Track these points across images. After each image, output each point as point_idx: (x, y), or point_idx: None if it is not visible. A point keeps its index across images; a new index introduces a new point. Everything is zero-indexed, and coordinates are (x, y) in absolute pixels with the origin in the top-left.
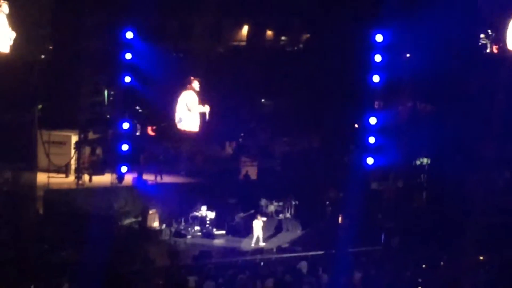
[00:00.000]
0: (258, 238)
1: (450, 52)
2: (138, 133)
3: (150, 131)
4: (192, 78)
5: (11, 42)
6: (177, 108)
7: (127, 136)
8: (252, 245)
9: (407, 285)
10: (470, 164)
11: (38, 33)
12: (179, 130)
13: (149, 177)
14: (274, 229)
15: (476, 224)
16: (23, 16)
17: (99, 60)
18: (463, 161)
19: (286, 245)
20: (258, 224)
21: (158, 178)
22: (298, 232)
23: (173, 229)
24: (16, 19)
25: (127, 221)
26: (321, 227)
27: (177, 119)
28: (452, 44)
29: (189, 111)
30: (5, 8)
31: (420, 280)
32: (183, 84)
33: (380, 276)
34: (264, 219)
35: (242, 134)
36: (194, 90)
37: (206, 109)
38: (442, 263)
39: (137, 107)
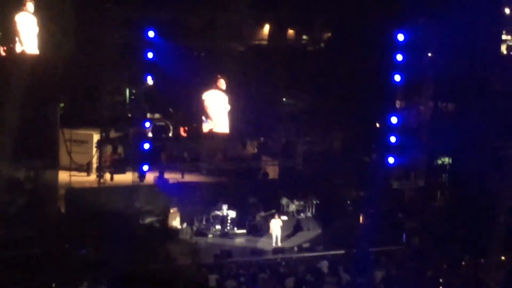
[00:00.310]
0: (276, 237)
1: (472, 51)
2: (170, 134)
3: (182, 132)
4: (218, 76)
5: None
6: (206, 108)
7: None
8: (273, 244)
9: (428, 285)
10: (491, 163)
11: (60, 32)
12: (210, 131)
13: (170, 176)
14: (293, 228)
15: (498, 224)
16: (47, 14)
17: (121, 59)
18: (485, 160)
19: (307, 245)
20: (276, 224)
21: (180, 177)
22: (318, 231)
23: (194, 228)
24: (40, 17)
25: (148, 220)
26: (342, 226)
27: (204, 120)
28: (474, 43)
29: (218, 112)
30: (30, 7)
31: (441, 280)
32: (209, 83)
33: (401, 276)
34: (285, 218)
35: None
36: (220, 89)
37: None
38: (463, 263)
39: (170, 109)
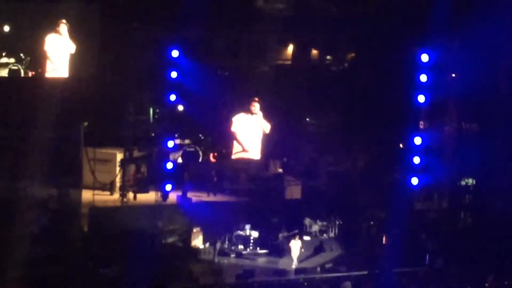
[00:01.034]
0: (296, 258)
1: (497, 71)
2: (200, 160)
3: (212, 157)
4: (254, 99)
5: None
6: (235, 133)
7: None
8: (293, 266)
9: None
10: None
11: (89, 53)
12: (242, 159)
13: (193, 195)
14: (314, 249)
15: None
16: (78, 36)
17: (145, 78)
18: (509, 181)
19: (329, 265)
20: (296, 245)
21: (207, 196)
22: (340, 252)
23: (217, 248)
24: (71, 39)
25: (171, 239)
26: (365, 247)
27: (235, 146)
28: (499, 63)
29: (249, 137)
30: (64, 29)
31: None
32: (239, 106)
33: None
34: (308, 238)
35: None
36: (253, 112)
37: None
38: (487, 285)
39: (200, 135)
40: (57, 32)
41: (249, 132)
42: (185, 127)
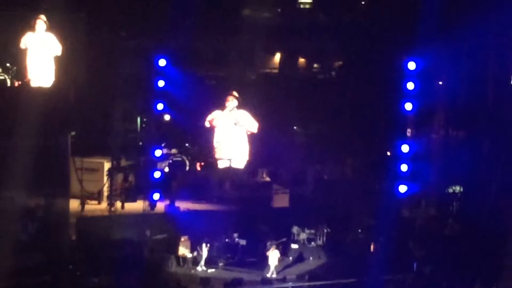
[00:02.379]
0: (273, 269)
1: (484, 78)
2: (187, 168)
3: (198, 167)
4: (231, 93)
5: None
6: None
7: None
8: (268, 276)
9: None
10: (503, 192)
11: (72, 59)
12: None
13: (181, 204)
14: (300, 257)
15: (510, 252)
16: (60, 43)
17: (132, 87)
18: (497, 189)
19: (317, 273)
20: (273, 255)
21: (194, 205)
22: (328, 259)
23: (204, 256)
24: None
25: (159, 248)
26: (353, 254)
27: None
28: (486, 71)
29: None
30: (41, 26)
31: None
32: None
33: None
34: (296, 246)
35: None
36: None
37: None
38: None
39: (187, 144)
40: (33, 29)
41: (227, 130)
42: (172, 136)
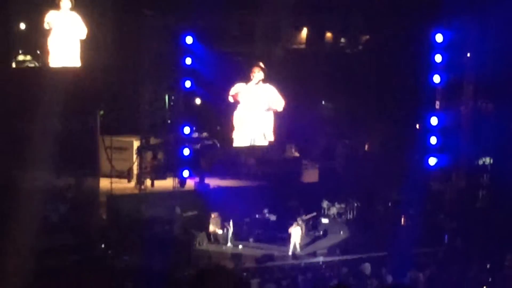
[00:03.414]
0: (295, 245)
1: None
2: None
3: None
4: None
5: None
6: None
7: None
8: (290, 253)
9: (471, 285)
10: None
11: (99, 38)
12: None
13: (211, 181)
14: (326, 232)
15: None
16: (86, 23)
17: (160, 65)
18: None
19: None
20: (296, 231)
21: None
22: (359, 234)
23: (235, 233)
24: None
25: (189, 225)
26: (383, 228)
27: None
28: None
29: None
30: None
31: (484, 280)
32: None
33: (444, 277)
34: (326, 221)
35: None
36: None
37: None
38: (506, 263)
39: (218, 127)
40: (58, 7)
41: (250, 108)
42: (201, 116)
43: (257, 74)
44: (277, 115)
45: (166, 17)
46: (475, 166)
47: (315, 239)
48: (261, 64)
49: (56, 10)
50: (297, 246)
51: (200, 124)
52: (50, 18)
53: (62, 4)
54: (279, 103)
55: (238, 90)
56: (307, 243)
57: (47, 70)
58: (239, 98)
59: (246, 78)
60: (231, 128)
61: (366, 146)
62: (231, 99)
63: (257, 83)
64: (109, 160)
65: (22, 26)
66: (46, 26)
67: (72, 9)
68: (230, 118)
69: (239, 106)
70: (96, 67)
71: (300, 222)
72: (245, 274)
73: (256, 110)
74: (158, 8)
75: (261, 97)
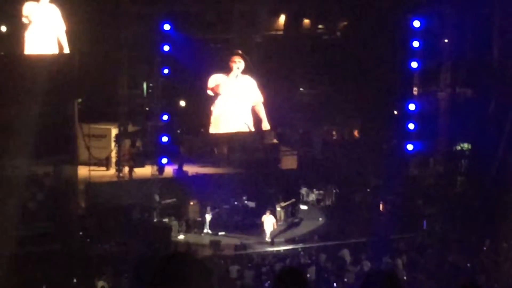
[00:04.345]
0: (269, 233)
1: (489, 35)
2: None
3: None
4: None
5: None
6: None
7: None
8: (266, 240)
9: (450, 270)
10: (510, 147)
11: (76, 27)
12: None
13: (190, 169)
14: (304, 218)
15: None
16: (64, 13)
17: (138, 52)
18: (504, 145)
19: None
20: (268, 220)
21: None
22: (337, 220)
23: (214, 220)
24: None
25: (168, 213)
26: (362, 214)
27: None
28: (491, 27)
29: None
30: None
31: (463, 265)
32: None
33: (423, 262)
34: (305, 207)
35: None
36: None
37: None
38: (484, 248)
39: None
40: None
41: (230, 101)
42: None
43: (238, 64)
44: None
45: (143, 5)
46: (453, 151)
47: (291, 226)
48: (241, 52)
49: (35, 1)
50: (268, 234)
51: (178, 112)
52: (28, 11)
53: None
54: (258, 98)
55: (218, 81)
56: (284, 229)
57: (23, 57)
58: (220, 90)
59: (226, 68)
60: (209, 119)
61: (345, 133)
62: (210, 92)
63: (237, 76)
64: (87, 148)
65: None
66: (24, 20)
67: (51, 1)
68: (209, 108)
69: (219, 98)
70: (72, 54)
71: (278, 208)
72: (222, 261)
73: (237, 103)
74: None
75: (242, 90)
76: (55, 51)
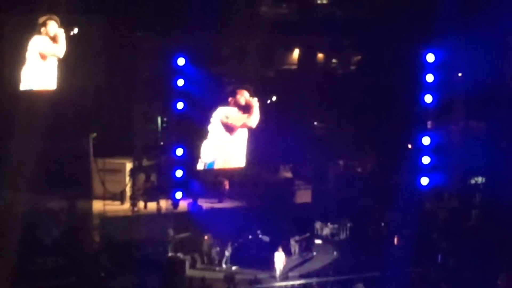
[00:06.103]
0: (280, 271)
1: (502, 69)
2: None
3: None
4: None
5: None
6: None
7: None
8: (276, 277)
9: None
10: None
11: (91, 62)
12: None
13: (204, 203)
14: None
15: None
16: (77, 45)
17: (152, 87)
18: None
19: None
20: (279, 257)
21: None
22: (346, 255)
23: (228, 254)
24: (70, 49)
25: (182, 247)
26: (376, 248)
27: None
28: (504, 61)
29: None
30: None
31: None
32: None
33: None
34: (320, 241)
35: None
36: (239, 104)
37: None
38: (499, 282)
39: None
40: (42, 32)
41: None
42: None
43: (240, 97)
44: (268, 134)
45: (158, 39)
46: (468, 185)
47: (305, 260)
48: (248, 87)
49: (40, 35)
50: (278, 272)
51: (192, 146)
52: (34, 44)
53: (48, 27)
54: (255, 120)
55: (228, 115)
56: (299, 263)
57: (36, 93)
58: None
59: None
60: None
61: (359, 166)
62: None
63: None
64: (102, 182)
65: None
66: (29, 51)
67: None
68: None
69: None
70: (87, 89)
71: (293, 242)
72: None
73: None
74: (150, 30)
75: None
76: (67, 85)
